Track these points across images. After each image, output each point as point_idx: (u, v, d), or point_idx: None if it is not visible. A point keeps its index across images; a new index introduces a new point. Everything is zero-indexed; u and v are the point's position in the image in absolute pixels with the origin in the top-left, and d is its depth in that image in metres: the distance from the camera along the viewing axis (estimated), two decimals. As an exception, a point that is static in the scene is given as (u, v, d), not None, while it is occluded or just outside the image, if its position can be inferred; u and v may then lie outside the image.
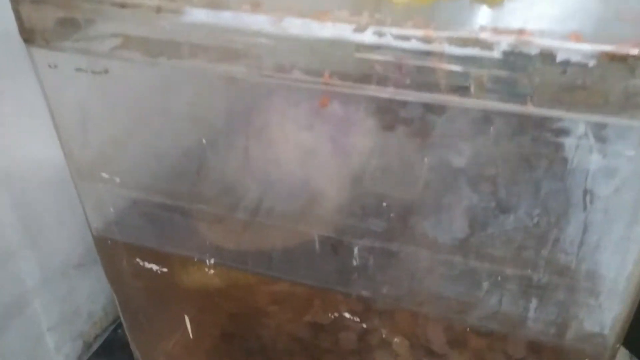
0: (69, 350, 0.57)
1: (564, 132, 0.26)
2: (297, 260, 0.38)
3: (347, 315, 0.38)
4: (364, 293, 0.36)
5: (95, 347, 0.59)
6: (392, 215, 0.32)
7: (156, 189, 0.38)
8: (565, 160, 0.26)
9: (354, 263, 0.35)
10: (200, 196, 0.37)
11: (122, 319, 0.51)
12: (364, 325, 0.38)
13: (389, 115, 0.28)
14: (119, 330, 0.61)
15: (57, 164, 0.41)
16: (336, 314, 0.38)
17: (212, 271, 0.40)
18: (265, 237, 0.37)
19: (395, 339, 0.39)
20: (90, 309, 0.59)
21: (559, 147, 0.26)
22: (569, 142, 0.26)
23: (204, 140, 0.33)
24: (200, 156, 0.34)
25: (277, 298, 0.43)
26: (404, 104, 0.27)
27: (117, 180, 0.38)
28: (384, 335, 0.38)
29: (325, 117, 0.30)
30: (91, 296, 0.58)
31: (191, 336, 0.50)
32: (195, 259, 0.40)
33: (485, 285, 0.32)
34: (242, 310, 0.46)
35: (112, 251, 0.43)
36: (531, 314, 0.32)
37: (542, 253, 0.30)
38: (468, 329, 0.35)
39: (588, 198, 0.27)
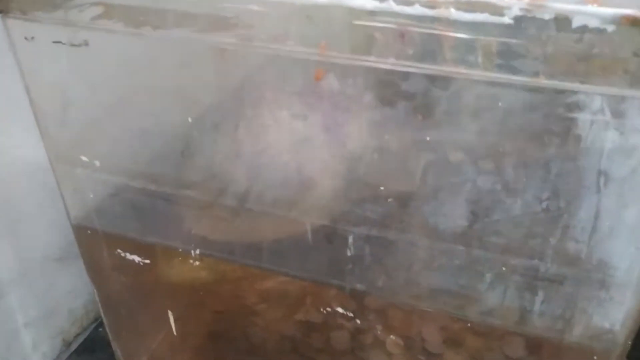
0: (47, 348, 0.54)
1: (578, 106, 0.24)
2: (289, 251, 0.35)
3: (340, 310, 0.36)
4: (359, 286, 0.34)
5: (75, 346, 0.57)
6: (389, 200, 0.30)
7: (138, 174, 0.36)
8: (578, 139, 0.25)
9: (349, 253, 0.33)
10: (186, 181, 0.35)
11: (102, 315, 0.48)
12: (358, 321, 0.36)
13: (389, 90, 0.26)
14: (101, 329, 0.58)
15: (37, 149, 0.39)
16: (329, 309, 0.36)
17: (197, 263, 0.38)
18: (255, 226, 0.35)
19: (390, 336, 0.37)
20: (71, 306, 0.56)
21: (572, 123, 0.24)
22: (583, 117, 0.24)
23: (189, 119, 0.31)
24: (186, 137, 0.32)
25: (267, 293, 0.40)
26: (406, 76, 0.25)
27: (97, 163, 0.36)
28: (378, 333, 0.36)
29: (320, 93, 0.28)
30: (72, 292, 0.55)
31: (176, 334, 0.47)
32: (180, 250, 0.38)
33: (489, 277, 0.30)
34: (230, 306, 0.44)
35: (92, 241, 0.41)
36: (536, 307, 0.30)
37: (550, 241, 0.28)
38: (469, 324, 0.33)
39: (602, 180, 0.25)
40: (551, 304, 0.30)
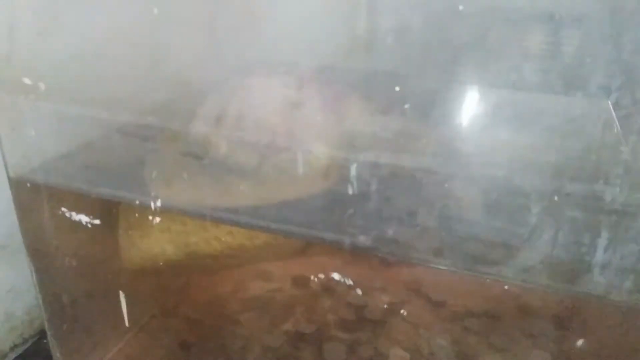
0: (-27, 357, 0.45)
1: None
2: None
3: (336, 277, 0.28)
4: (362, 241, 0.27)
5: (10, 358, 0.47)
6: (406, 107, 0.23)
7: (90, 98, 0.29)
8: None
9: (350, 191, 0.25)
10: (148, 103, 0.28)
11: (43, 310, 0.40)
12: (359, 292, 0.28)
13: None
14: (45, 341, 0.49)
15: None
16: (322, 276, 0.28)
17: (158, 219, 0.30)
18: (232, 159, 0.28)
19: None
20: (9, 309, 0.47)
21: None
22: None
23: (155, 10, 0.25)
24: (148, 38, 0.26)
25: (249, 266, 0.33)
26: None
27: (42, 87, 0.29)
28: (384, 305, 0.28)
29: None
30: (12, 292, 0.47)
31: (137, 338, 0.39)
32: (137, 202, 0.30)
33: (534, 213, 0.23)
34: (208, 310, 0.35)
35: (32, 200, 0.33)
36: (598, 258, 0.23)
37: (620, 155, 0.21)
38: (506, 287, 0.25)
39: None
40: (619, 250, 0.22)
